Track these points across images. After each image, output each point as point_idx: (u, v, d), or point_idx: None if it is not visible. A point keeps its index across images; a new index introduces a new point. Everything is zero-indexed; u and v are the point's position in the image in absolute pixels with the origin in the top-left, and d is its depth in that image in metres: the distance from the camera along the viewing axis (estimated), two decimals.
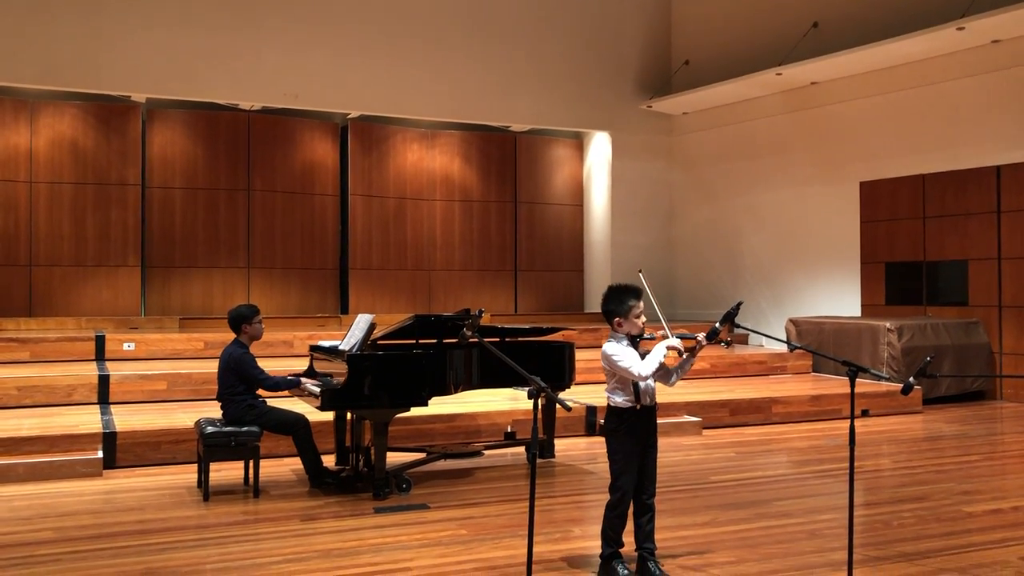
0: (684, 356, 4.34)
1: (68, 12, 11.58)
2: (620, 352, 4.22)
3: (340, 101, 13.24)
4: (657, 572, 4.24)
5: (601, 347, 4.30)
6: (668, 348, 4.21)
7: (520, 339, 7.11)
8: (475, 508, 5.65)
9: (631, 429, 4.27)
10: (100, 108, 12.51)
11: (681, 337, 4.31)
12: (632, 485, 4.28)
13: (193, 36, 12.18)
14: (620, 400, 4.28)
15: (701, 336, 4.31)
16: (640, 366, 4.17)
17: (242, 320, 6.19)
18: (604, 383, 4.39)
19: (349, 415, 6.53)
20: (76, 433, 6.79)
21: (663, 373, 4.37)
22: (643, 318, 4.30)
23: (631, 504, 4.31)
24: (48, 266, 12.26)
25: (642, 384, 4.25)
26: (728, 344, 4.41)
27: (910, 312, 11.58)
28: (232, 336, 6.25)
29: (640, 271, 4.50)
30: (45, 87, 11.92)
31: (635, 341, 4.31)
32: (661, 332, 4.34)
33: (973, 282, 11.05)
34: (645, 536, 4.33)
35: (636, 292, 4.30)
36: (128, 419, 7.39)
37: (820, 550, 4.73)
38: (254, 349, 6.28)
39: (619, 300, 4.28)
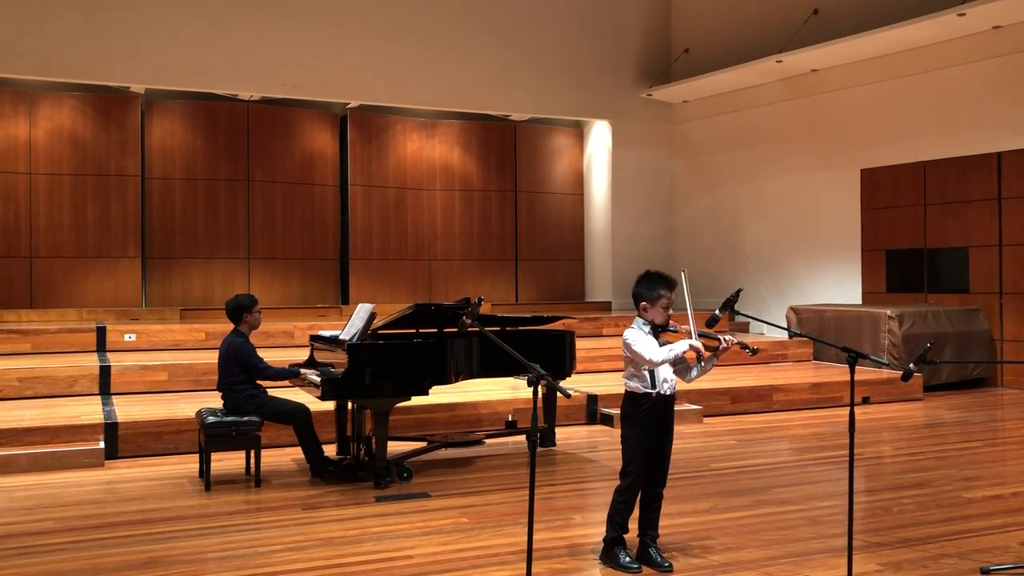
0: (707, 355, 4.30)
1: (66, 3, 11.55)
2: (637, 338, 4.24)
3: (339, 90, 13.21)
4: (659, 559, 4.25)
5: (603, 335, 4.31)
6: (691, 347, 4.20)
7: (521, 328, 7.11)
8: (476, 496, 5.66)
9: (647, 416, 4.27)
10: (99, 99, 12.48)
11: (705, 336, 4.29)
12: (643, 471, 4.29)
13: (192, 26, 12.15)
14: (635, 386, 4.29)
15: (727, 338, 4.28)
16: (652, 352, 4.18)
17: (243, 310, 6.19)
18: (605, 371, 4.40)
19: (350, 404, 6.54)
20: (78, 424, 6.81)
21: (683, 368, 4.37)
22: (671, 311, 4.30)
23: (640, 490, 4.32)
24: (48, 258, 12.26)
25: (658, 373, 4.25)
26: (754, 352, 4.37)
27: (911, 299, 11.57)
28: (230, 327, 6.25)
29: (684, 270, 4.47)
30: (43, 78, 11.90)
31: (657, 330, 4.30)
32: (685, 327, 4.32)
33: (974, 269, 11.04)
34: (649, 523, 4.34)
35: (670, 283, 4.31)
36: (129, 410, 7.40)
37: (820, 536, 4.74)
38: (255, 339, 6.29)
39: (650, 286, 4.30)
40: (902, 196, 11.83)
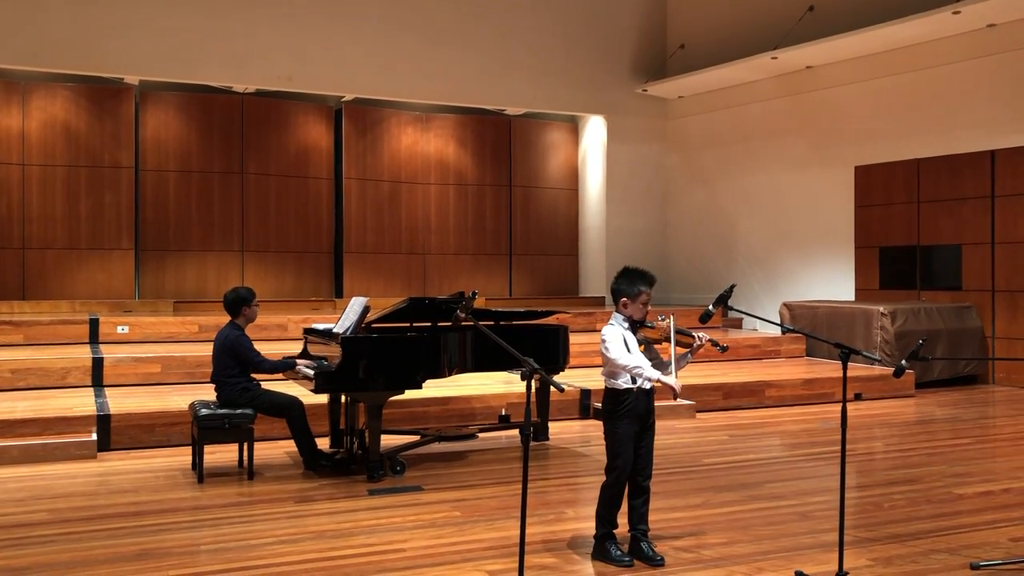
0: (683, 352, 4.37)
1: None
2: (613, 337, 4.27)
3: (334, 83, 13.18)
4: (650, 553, 4.27)
5: (596, 330, 4.34)
6: (660, 380, 4.22)
7: (514, 322, 7.12)
8: (469, 490, 5.67)
9: (628, 411, 4.30)
10: (93, 90, 12.43)
11: (680, 333, 4.34)
12: (628, 467, 4.31)
13: (187, 17, 12.10)
14: (617, 382, 4.31)
15: (701, 336, 4.32)
16: (623, 357, 4.21)
17: (242, 303, 6.17)
18: (598, 366, 4.42)
19: (343, 398, 6.54)
20: (70, 416, 6.80)
21: (659, 364, 4.41)
22: (649, 307, 4.34)
23: (627, 486, 4.34)
24: (41, 249, 12.22)
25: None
26: (724, 349, 4.44)
27: (904, 296, 11.61)
28: (226, 319, 6.24)
29: (672, 316, 4.49)
30: (37, 69, 11.84)
31: (635, 326, 4.34)
32: (663, 322, 4.37)
33: (967, 267, 11.07)
34: (639, 518, 4.35)
35: (650, 280, 4.36)
36: (122, 402, 7.39)
37: (811, 532, 4.76)
38: (249, 332, 6.28)
39: (631, 282, 4.33)
40: (896, 193, 11.86)
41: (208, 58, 12.26)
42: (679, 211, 15.22)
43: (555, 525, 4.90)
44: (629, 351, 4.26)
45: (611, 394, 4.36)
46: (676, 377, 4.26)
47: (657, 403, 4.53)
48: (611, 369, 4.32)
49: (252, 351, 6.08)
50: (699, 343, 4.33)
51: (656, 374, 4.24)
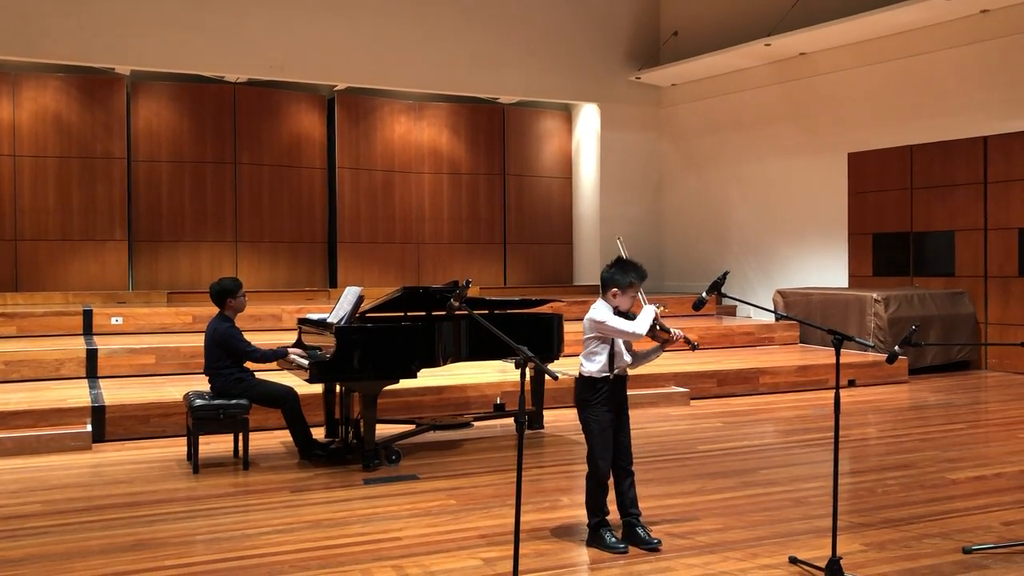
0: (655, 345, 4.45)
1: None
2: (609, 316, 4.31)
3: (327, 72, 13.12)
4: (646, 537, 4.29)
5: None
6: (655, 312, 4.31)
7: (509, 311, 7.12)
8: (464, 478, 5.68)
9: (605, 399, 4.36)
10: (84, 80, 12.37)
11: (660, 329, 4.39)
12: (609, 454, 4.35)
13: (178, 7, 12.03)
14: (594, 369, 4.35)
15: (674, 331, 4.38)
16: (633, 324, 4.26)
17: (227, 294, 6.16)
18: None
19: (338, 387, 6.54)
20: (65, 407, 6.79)
21: (631, 355, 4.45)
22: (635, 300, 4.37)
23: (611, 472, 4.36)
24: (34, 241, 12.18)
25: (618, 356, 4.32)
26: (695, 347, 4.48)
27: (897, 283, 11.63)
28: (217, 310, 6.23)
29: (620, 238, 4.56)
30: (27, 59, 11.77)
31: (619, 316, 4.36)
32: (656, 307, 4.42)
33: (959, 253, 11.10)
34: (629, 502, 4.38)
35: (642, 274, 4.40)
36: (117, 393, 7.38)
37: (805, 517, 4.78)
38: (241, 323, 6.27)
39: (623, 272, 4.37)
40: (889, 180, 11.87)
41: (200, 48, 12.19)
42: (673, 199, 15.22)
43: (550, 513, 4.91)
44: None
45: (587, 382, 4.39)
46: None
47: (651, 390, 4.54)
48: (591, 351, 4.35)
49: (242, 341, 6.07)
50: (674, 337, 4.39)
51: (651, 311, 4.29)
